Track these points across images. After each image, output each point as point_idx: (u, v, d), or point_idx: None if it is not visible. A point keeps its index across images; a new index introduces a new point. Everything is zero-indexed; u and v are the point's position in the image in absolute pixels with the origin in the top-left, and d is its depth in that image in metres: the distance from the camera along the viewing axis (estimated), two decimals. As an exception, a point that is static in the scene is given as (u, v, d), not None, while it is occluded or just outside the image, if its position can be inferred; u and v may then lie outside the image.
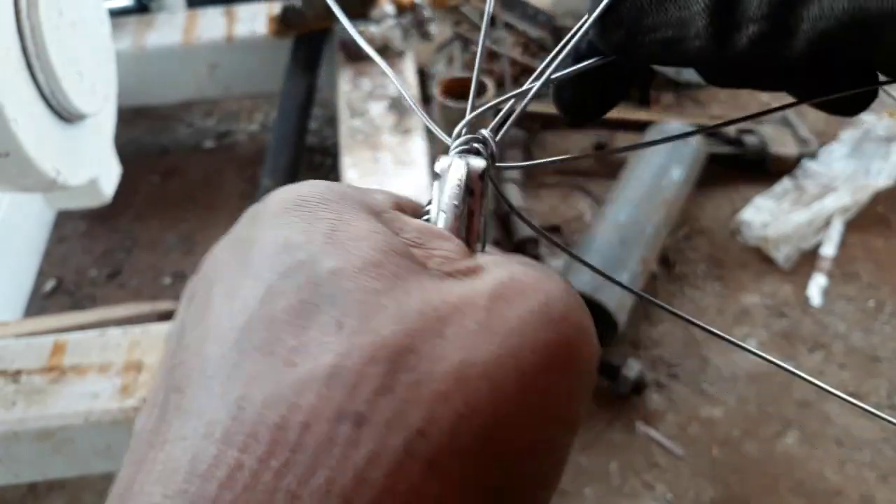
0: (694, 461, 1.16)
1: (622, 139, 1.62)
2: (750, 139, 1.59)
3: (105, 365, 0.86)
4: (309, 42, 1.39)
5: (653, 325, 1.34)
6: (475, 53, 0.30)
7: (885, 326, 1.34)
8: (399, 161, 1.11)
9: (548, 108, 1.65)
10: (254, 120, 1.76)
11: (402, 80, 1.26)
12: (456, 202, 0.24)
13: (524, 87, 0.28)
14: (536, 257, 1.42)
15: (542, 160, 0.28)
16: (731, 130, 1.60)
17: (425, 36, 1.33)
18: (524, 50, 1.79)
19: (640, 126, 1.60)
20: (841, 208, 1.48)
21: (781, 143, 1.59)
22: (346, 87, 1.26)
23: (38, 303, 1.38)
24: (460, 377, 0.18)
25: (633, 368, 1.21)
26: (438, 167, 0.26)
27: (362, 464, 0.17)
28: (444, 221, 0.24)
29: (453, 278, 0.21)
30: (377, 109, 1.21)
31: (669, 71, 1.55)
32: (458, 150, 0.26)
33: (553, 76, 0.28)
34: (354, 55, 1.30)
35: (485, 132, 0.27)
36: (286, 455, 0.17)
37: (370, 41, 1.29)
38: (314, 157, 1.64)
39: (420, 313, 0.19)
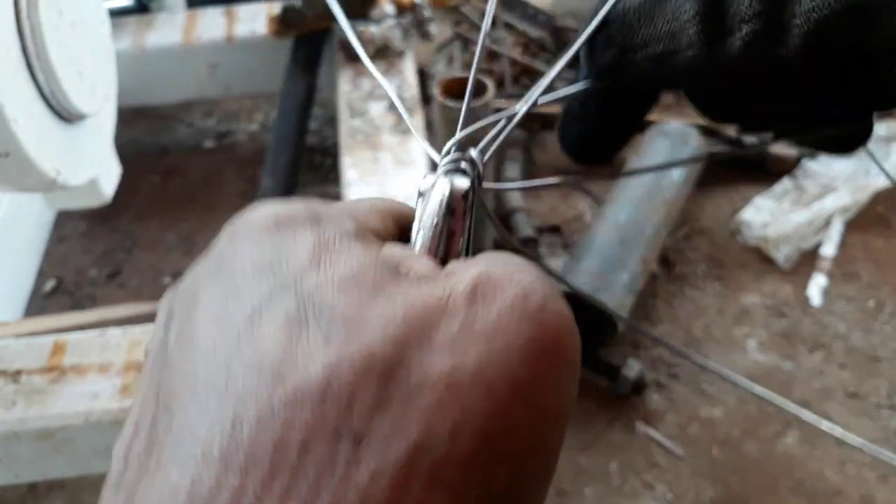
0: (694, 461, 1.16)
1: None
2: (750, 139, 1.59)
3: (105, 365, 0.86)
4: (309, 42, 1.39)
5: (653, 326, 1.34)
6: (475, 54, 0.29)
7: (885, 326, 1.34)
8: (399, 161, 1.11)
9: (547, 108, 1.65)
10: (254, 120, 1.76)
11: (403, 81, 1.26)
12: (436, 222, 0.25)
13: (513, 109, 0.28)
14: (536, 258, 1.41)
15: (532, 182, 0.28)
16: (731, 130, 1.60)
17: (425, 36, 1.33)
18: (524, 50, 1.79)
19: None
20: (841, 208, 1.48)
21: (781, 143, 1.59)
22: (346, 87, 1.26)
23: (38, 303, 1.38)
24: (452, 384, 0.18)
25: (633, 368, 1.21)
26: (422, 185, 0.26)
27: (365, 482, 0.17)
28: (421, 240, 0.24)
29: (430, 279, 0.21)
30: (377, 109, 1.21)
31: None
32: (444, 168, 0.26)
33: (541, 101, 0.28)
34: (354, 55, 1.30)
35: (473, 153, 0.27)
36: (288, 477, 0.17)
37: (370, 41, 1.29)
38: (314, 157, 1.64)
39: (405, 321, 0.19)
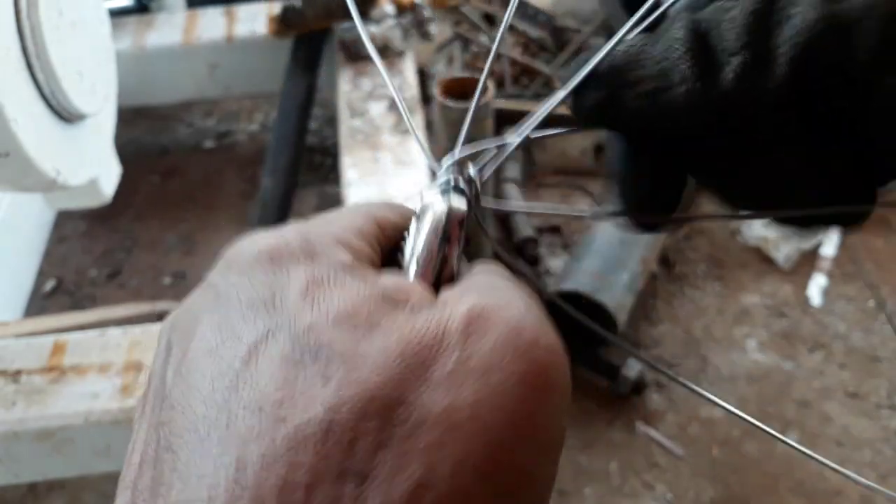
0: (694, 461, 1.16)
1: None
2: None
3: (105, 365, 0.86)
4: (309, 42, 1.39)
5: (653, 325, 1.34)
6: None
7: (886, 326, 1.34)
8: (399, 161, 1.11)
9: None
10: (254, 120, 1.76)
11: (403, 80, 1.26)
12: (429, 249, 0.24)
13: (511, 138, 0.27)
14: (536, 257, 1.42)
15: (530, 207, 0.28)
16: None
17: (425, 36, 1.33)
18: (524, 50, 1.79)
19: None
20: (841, 208, 1.48)
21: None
22: (346, 87, 1.26)
23: (38, 303, 1.38)
24: (451, 423, 0.19)
25: (633, 368, 1.21)
26: (419, 205, 0.25)
27: None
28: (416, 264, 0.24)
29: (423, 308, 0.21)
30: (377, 109, 1.21)
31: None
32: (441, 187, 0.26)
33: (534, 135, 0.27)
34: (354, 55, 1.30)
35: (472, 172, 0.26)
36: None
37: (370, 41, 1.29)
38: (314, 157, 1.64)
39: (402, 359, 0.19)
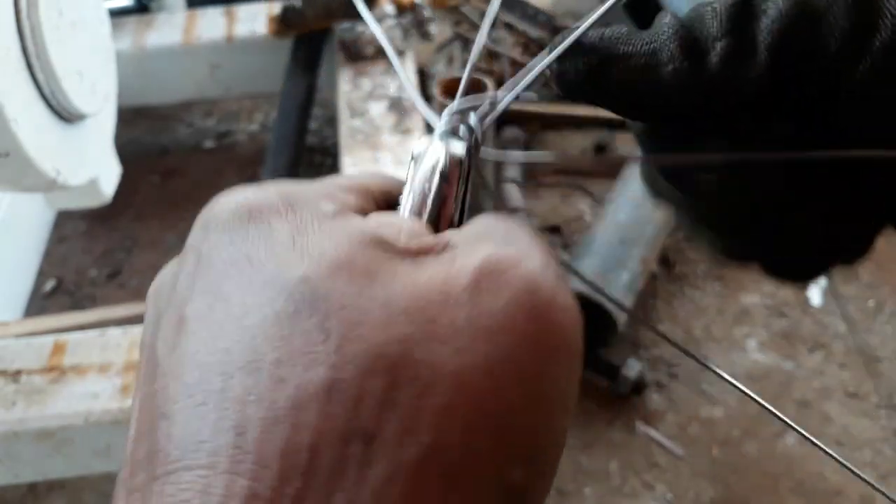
0: (694, 461, 1.16)
1: (623, 139, 1.63)
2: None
3: (105, 365, 0.86)
4: (309, 42, 1.39)
5: (651, 326, 1.34)
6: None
7: (886, 326, 1.34)
8: (399, 161, 1.11)
9: (547, 108, 1.65)
10: (254, 120, 1.76)
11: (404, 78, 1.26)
12: (426, 185, 0.23)
13: (515, 79, 0.27)
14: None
15: (534, 157, 0.28)
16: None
17: (425, 36, 1.33)
18: (524, 50, 1.79)
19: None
20: (841, 208, 1.48)
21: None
22: (346, 87, 1.26)
23: (38, 303, 1.38)
24: (462, 384, 0.18)
25: (633, 368, 1.21)
26: (416, 149, 0.24)
27: (379, 484, 0.17)
28: (410, 203, 0.23)
29: (427, 257, 0.20)
30: (377, 109, 1.21)
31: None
32: (441, 132, 0.25)
33: (542, 69, 0.27)
34: (354, 55, 1.30)
35: (473, 120, 0.25)
36: (300, 481, 0.17)
37: (370, 41, 1.29)
38: (314, 157, 1.64)
39: (406, 314, 0.18)
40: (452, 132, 0.25)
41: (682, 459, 1.17)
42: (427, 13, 1.31)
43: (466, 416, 0.18)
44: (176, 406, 0.18)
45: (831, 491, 1.13)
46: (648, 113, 0.26)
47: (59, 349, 0.88)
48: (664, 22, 0.25)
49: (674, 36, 0.24)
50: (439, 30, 1.51)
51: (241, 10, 1.49)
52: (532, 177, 1.58)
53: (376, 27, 0.31)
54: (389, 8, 1.31)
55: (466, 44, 1.78)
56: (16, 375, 0.86)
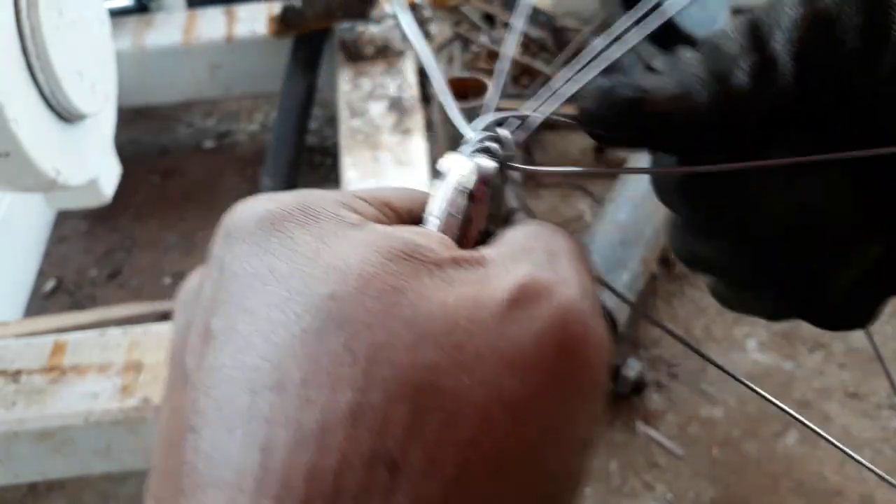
0: (694, 461, 1.16)
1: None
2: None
3: (105, 365, 0.86)
4: (309, 42, 1.39)
5: (653, 325, 1.34)
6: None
7: (886, 326, 1.34)
8: (399, 161, 1.11)
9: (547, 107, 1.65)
10: (254, 120, 1.76)
11: (403, 80, 1.26)
12: (451, 208, 0.22)
13: (531, 114, 0.25)
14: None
15: (563, 170, 0.26)
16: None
17: (425, 36, 1.33)
18: (524, 50, 1.79)
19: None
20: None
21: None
22: (346, 87, 1.26)
23: (38, 303, 1.38)
24: (486, 419, 0.18)
25: (633, 368, 1.21)
26: (443, 164, 0.23)
27: None
28: (435, 220, 0.23)
29: (458, 272, 0.20)
30: (377, 109, 1.21)
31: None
32: (470, 146, 0.24)
33: (567, 87, 0.26)
34: (354, 55, 1.30)
35: (504, 132, 0.24)
36: None
37: (370, 41, 1.29)
38: (314, 157, 1.64)
39: (434, 338, 0.18)
40: (481, 149, 0.24)
41: (682, 459, 1.17)
42: (427, 13, 1.31)
43: (489, 454, 0.18)
44: (204, 421, 0.18)
45: (831, 491, 1.13)
46: (682, 144, 0.26)
47: (59, 349, 0.88)
48: (682, 55, 0.25)
49: (699, 63, 0.24)
50: (439, 30, 1.51)
51: (241, 10, 1.49)
52: (532, 177, 1.58)
53: (403, 17, 0.30)
54: (389, 8, 1.31)
55: (466, 44, 1.78)
56: (16, 375, 0.86)
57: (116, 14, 1.44)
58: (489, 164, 0.23)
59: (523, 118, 0.25)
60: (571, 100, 0.26)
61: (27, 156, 0.72)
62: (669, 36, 1.56)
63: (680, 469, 1.16)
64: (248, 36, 1.44)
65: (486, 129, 0.24)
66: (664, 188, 0.28)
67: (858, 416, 1.21)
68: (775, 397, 0.25)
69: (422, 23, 1.31)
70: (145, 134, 1.72)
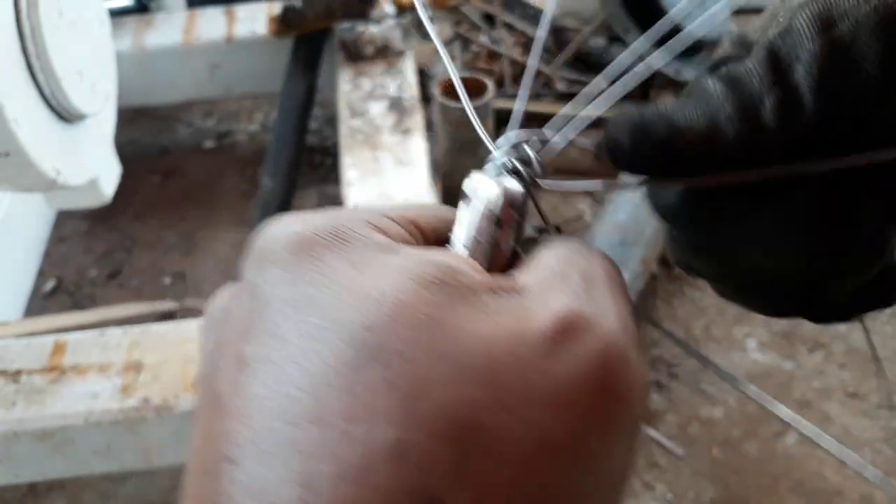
0: (694, 461, 1.16)
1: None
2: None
3: (105, 365, 0.86)
4: (309, 42, 1.39)
5: (653, 326, 1.34)
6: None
7: (886, 326, 1.34)
8: (399, 161, 1.11)
9: (547, 107, 1.65)
10: (254, 120, 1.76)
11: (403, 80, 1.26)
12: (478, 234, 0.22)
13: (553, 139, 0.25)
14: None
15: (589, 185, 0.25)
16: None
17: (425, 36, 1.33)
18: (524, 50, 1.79)
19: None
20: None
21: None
22: (346, 87, 1.26)
23: (38, 303, 1.38)
24: (528, 459, 0.18)
25: (633, 368, 1.21)
26: (469, 188, 0.23)
27: None
28: (462, 243, 0.22)
29: (495, 300, 0.19)
30: (377, 109, 1.21)
31: (669, 70, 1.55)
32: (494, 167, 0.23)
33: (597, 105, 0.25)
34: (354, 55, 1.30)
35: (530, 151, 0.23)
36: None
37: (370, 41, 1.29)
38: (314, 157, 1.64)
39: (474, 373, 0.18)
40: (506, 169, 0.23)
41: (682, 459, 1.17)
42: (427, 13, 1.31)
43: (532, 493, 0.18)
44: (242, 451, 0.18)
45: (831, 491, 1.13)
46: (721, 170, 0.25)
47: (59, 349, 0.88)
48: (708, 88, 0.24)
49: (726, 100, 0.23)
50: (439, 30, 1.51)
51: (241, 10, 1.49)
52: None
53: (424, 14, 0.29)
54: (389, 8, 1.31)
55: (466, 44, 1.78)
56: (16, 375, 0.86)
57: (116, 14, 1.44)
58: (516, 186, 0.23)
59: (546, 140, 0.24)
60: (597, 124, 0.25)
61: (27, 156, 0.72)
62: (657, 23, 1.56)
63: (680, 469, 1.16)
64: (248, 36, 1.44)
65: (513, 147, 0.24)
66: (665, 212, 0.27)
67: (858, 416, 1.21)
68: (775, 398, 0.25)
69: (421, 23, 1.31)
70: (145, 134, 1.72)
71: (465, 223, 0.22)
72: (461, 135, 1.18)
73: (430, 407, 0.17)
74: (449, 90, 1.15)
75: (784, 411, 0.27)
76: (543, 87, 1.71)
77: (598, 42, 1.69)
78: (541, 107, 1.64)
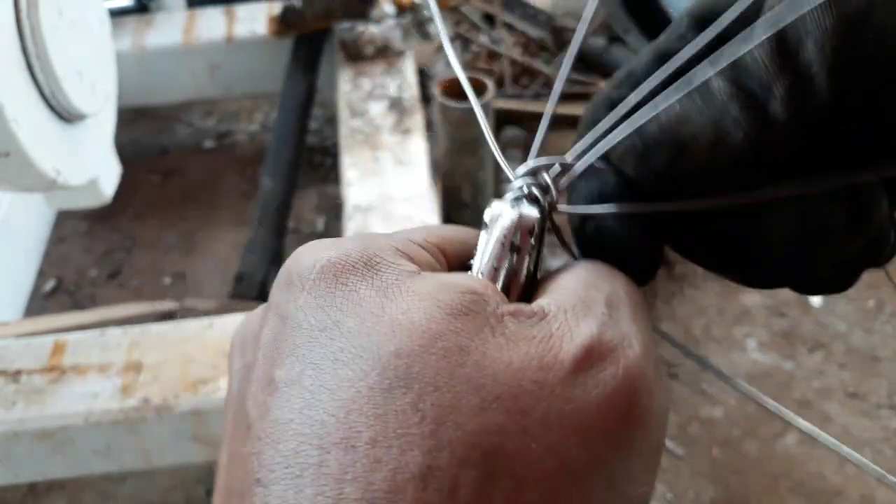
0: (694, 461, 1.16)
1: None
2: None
3: (105, 365, 0.86)
4: (309, 42, 1.39)
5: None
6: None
7: (886, 326, 1.34)
8: (399, 161, 1.11)
9: (547, 107, 1.65)
10: (254, 120, 1.76)
11: (403, 80, 1.26)
12: (497, 264, 0.22)
13: (576, 165, 0.24)
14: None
15: (610, 208, 0.24)
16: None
17: (425, 36, 1.33)
18: (524, 50, 1.79)
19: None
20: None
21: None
22: (346, 87, 1.26)
23: (38, 303, 1.38)
24: (554, 485, 0.18)
25: (633, 368, 1.21)
26: (488, 216, 0.23)
27: None
28: (483, 269, 0.22)
29: (521, 327, 0.20)
30: (377, 109, 1.21)
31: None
32: (512, 194, 0.23)
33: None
34: (354, 55, 1.30)
35: (548, 178, 0.24)
36: None
37: (370, 41, 1.29)
38: (314, 157, 1.64)
39: (500, 401, 0.18)
40: (526, 196, 0.23)
41: (682, 459, 1.17)
42: (427, 13, 1.31)
43: None
44: (272, 475, 0.18)
45: (831, 491, 1.13)
46: (724, 185, 0.24)
47: (59, 349, 0.88)
48: (712, 86, 0.22)
49: (730, 99, 0.22)
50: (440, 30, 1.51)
51: (241, 10, 1.49)
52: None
53: (437, 16, 0.29)
54: (389, 8, 1.31)
55: (466, 44, 1.78)
56: (16, 375, 0.86)
57: (116, 14, 1.44)
58: (533, 213, 0.23)
59: (567, 165, 0.24)
60: (620, 146, 0.24)
61: (27, 156, 0.72)
62: (660, 29, 1.56)
63: (680, 469, 1.16)
64: (248, 36, 1.44)
65: (530, 173, 0.24)
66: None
67: (858, 416, 1.21)
68: (775, 397, 0.24)
69: (422, 23, 1.31)
70: (145, 134, 1.72)
71: (485, 250, 0.23)
72: (461, 135, 1.18)
73: (458, 434, 0.18)
74: (449, 91, 1.15)
75: (787, 413, 0.27)
76: (543, 87, 1.71)
77: (599, 42, 1.69)
78: (540, 107, 1.64)
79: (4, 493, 1.12)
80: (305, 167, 1.52)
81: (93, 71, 0.85)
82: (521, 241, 0.23)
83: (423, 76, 1.59)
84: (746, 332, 1.33)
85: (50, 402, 0.83)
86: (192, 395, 0.83)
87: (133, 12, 1.55)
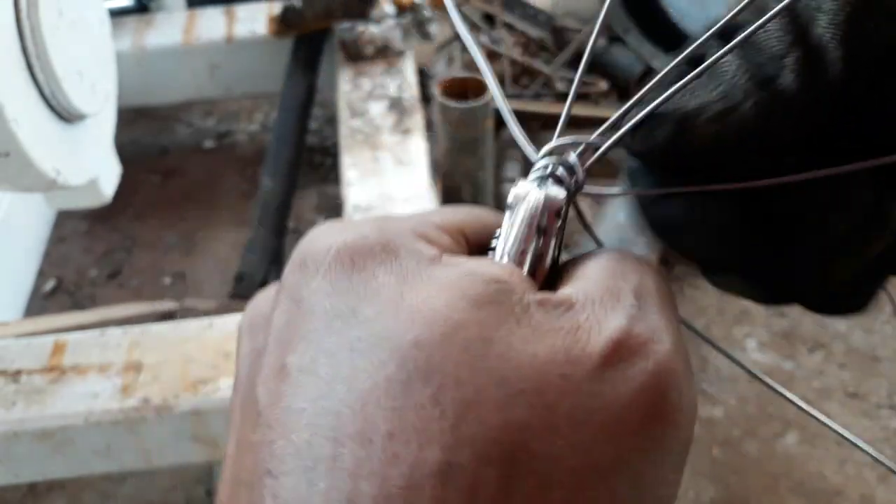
0: (694, 461, 1.16)
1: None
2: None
3: (105, 365, 0.86)
4: (309, 42, 1.39)
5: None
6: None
7: (886, 326, 1.34)
8: (399, 161, 1.11)
9: (547, 107, 1.65)
10: (254, 120, 1.76)
11: (403, 80, 1.26)
12: (524, 247, 0.21)
13: (599, 144, 0.23)
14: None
15: (645, 192, 0.24)
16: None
17: (425, 36, 1.33)
18: (524, 50, 1.79)
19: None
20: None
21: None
22: (346, 87, 1.26)
23: (38, 303, 1.38)
24: (579, 483, 0.17)
25: (633, 368, 1.21)
26: (512, 196, 0.22)
27: None
28: (506, 251, 0.22)
29: (545, 315, 0.19)
30: (377, 109, 1.21)
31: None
32: (536, 175, 0.22)
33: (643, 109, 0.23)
34: (354, 55, 1.30)
35: (573, 158, 0.23)
36: None
37: (370, 41, 1.29)
38: (314, 157, 1.64)
39: (524, 396, 0.17)
40: (551, 176, 0.22)
41: (682, 459, 1.17)
42: (427, 13, 1.31)
43: None
44: (283, 466, 0.18)
45: (831, 491, 1.13)
46: (731, 165, 0.23)
47: (59, 349, 0.88)
48: (720, 60, 0.22)
49: (739, 70, 0.21)
50: (439, 30, 1.51)
51: (241, 10, 1.49)
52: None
53: (455, 15, 0.28)
54: (389, 8, 1.31)
55: (466, 44, 1.78)
56: (16, 375, 0.86)
57: (116, 14, 1.44)
58: (559, 193, 0.22)
59: (589, 145, 0.23)
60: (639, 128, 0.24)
61: (27, 156, 0.72)
62: (660, 29, 1.56)
63: (680, 469, 1.16)
64: (248, 36, 1.44)
65: (553, 153, 0.23)
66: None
67: (858, 416, 1.21)
68: (775, 397, 0.24)
69: (422, 23, 1.31)
70: (145, 134, 1.72)
71: (510, 232, 0.22)
72: (461, 135, 1.18)
73: (479, 429, 0.17)
74: (449, 91, 1.15)
75: (797, 400, 0.27)
76: (543, 87, 1.71)
77: (599, 42, 1.69)
78: (540, 107, 1.64)
79: (4, 493, 1.12)
80: (305, 167, 1.52)
81: (93, 71, 0.85)
82: (547, 223, 0.22)
83: (423, 76, 1.59)
84: (746, 331, 1.33)
85: (50, 402, 0.83)
86: (192, 395, 0.83)
87: (133, 12, 1.55)
